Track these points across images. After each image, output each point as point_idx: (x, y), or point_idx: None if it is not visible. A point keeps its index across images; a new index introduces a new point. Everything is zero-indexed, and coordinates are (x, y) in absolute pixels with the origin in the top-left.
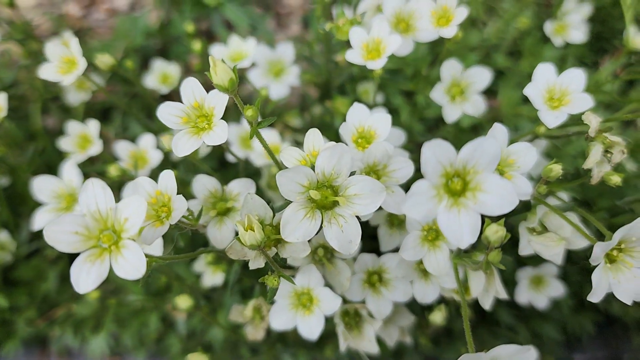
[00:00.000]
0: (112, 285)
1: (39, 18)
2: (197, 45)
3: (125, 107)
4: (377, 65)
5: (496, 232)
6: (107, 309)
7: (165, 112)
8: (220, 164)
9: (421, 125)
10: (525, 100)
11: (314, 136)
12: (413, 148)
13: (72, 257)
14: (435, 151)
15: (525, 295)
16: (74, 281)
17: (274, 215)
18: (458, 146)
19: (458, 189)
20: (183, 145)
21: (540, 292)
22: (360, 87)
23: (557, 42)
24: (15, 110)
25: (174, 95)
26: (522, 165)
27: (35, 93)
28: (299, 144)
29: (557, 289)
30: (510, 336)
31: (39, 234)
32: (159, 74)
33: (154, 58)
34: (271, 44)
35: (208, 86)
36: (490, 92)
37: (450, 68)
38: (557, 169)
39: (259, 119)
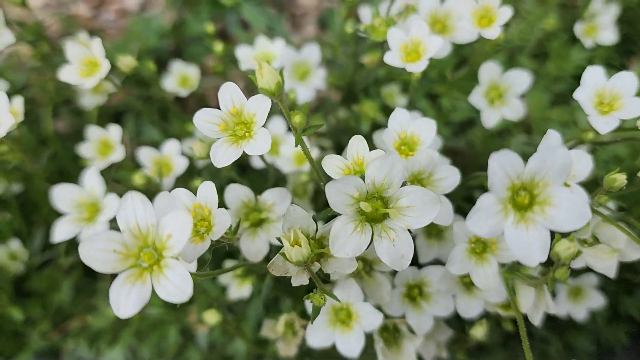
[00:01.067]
0: None
1: (49, 19)
2: (218, 46)
3: (139, 110)
4: (417, 68)
5: (568, 249)
6: (127, 322)
7: (202, 120)
8: (241, 169)
9: (447, 129)
10: (554, 103)
11: (357, 143)
12: (440, 153)
13: (87, 267)
14: (502, 162)
15: (564, 306)
16: (113, 305)
17: (317, 229)
18: (487, 151)
19: (525, 202)
20: (222, 156)
21: (579, 304)
22: (385, 90)
23: (588, 43)
24: (26, 114)
25: (189, 99)
26: (578, 173)
27: (46, 96)
28: (323, 149)
29: (596, 301)
30: (543, 347)
31: (51, 245)
32: (178, 76)
33: (169, 59)
34: (289, 41)
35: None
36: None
37: (489, 71)
38: (621, 179)
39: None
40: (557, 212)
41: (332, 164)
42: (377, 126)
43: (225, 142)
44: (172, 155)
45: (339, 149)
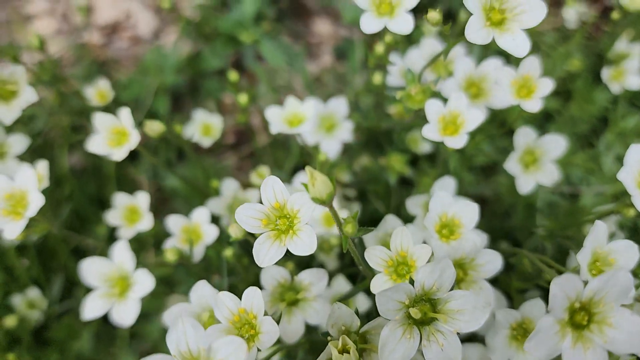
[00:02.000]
0: (147, 345)
1: (61, 49)
2: (243, 97)
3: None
4: (457, 143)
5: None
6: None
7: (244, 215)
8: None
9: (471, 175)
10: (577, 142)
11: (402, 235)
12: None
13: (106, 315)
14: (564, 287)
15: None
16: None
17: (360, 325)
18: (512, 197)
19: (583, 323)
20: (265, 255)
21: None
22: (409, 135)
23: (615, 88)
24: (41, 153)
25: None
26: (624, 264)
27: (62, 135)
28: (348, 199)
29: None
30: None
31: (70, 291)
32: (201, 125)
33: (185, 94)
34: (306, 81)
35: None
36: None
37: (524, 136)
38: None
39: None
40: (616, 333)
41: (375, 255)
42: (404, 180)
43: (268, 238)
44: (202, 223)
45: (363, 196)
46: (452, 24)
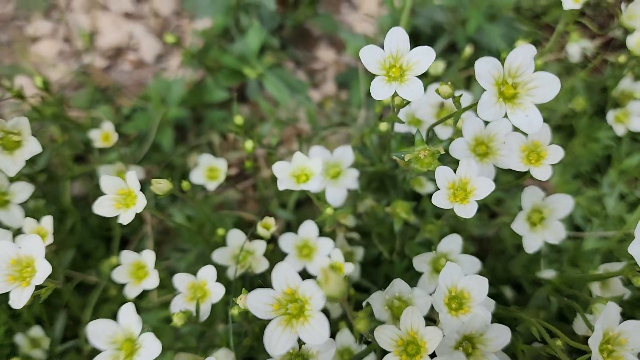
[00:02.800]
0: None
1: (63, 74)
2: (249, 144)
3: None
4: (466, 213)
5: None
6: None
7: (255, 301)
8: None
9: (474, 217)
10: (578, 178)
11: (412, 316)
12: (467, 241)
13: None
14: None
15: None
16: None
17: None
18: (513, 237)
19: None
20: (276, 343)
21: None
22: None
23: (619, 131)
24: (44, 186)
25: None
26: (635, 345)
27: (65, 169)
28: (351, 242)
29: None
30: None
31: (74, 329)
32: (206, 169)
33: (188, 124)
34: (310, 114)
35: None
36: None
37: (531, 195)
38: None
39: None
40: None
41: (385, 335)
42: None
43: (279, 325)
44: (208, 280)
45: (368, 237)
46: (457, 57)
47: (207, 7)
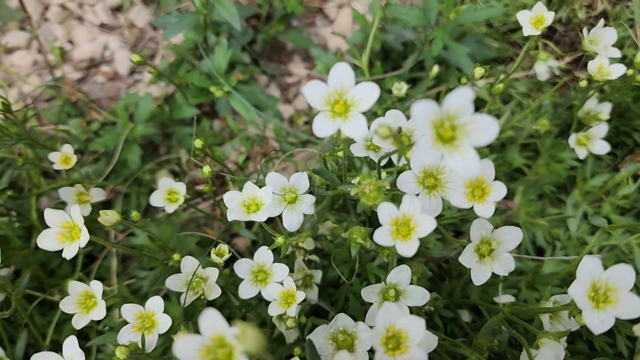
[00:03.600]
0: None
1: (35, 87)
2: (206, 169)
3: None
4: (408, 250)
5: None
6: None
7: (186, 347)
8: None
9: (435, 239)
10: (542, 198)
11: None
12: (429, 263)
13: None
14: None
15: None
16: None
17: None
18: None
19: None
20: None
21: None
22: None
23: (581, 153)
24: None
25: None
26: None
27: (31, 184)
28: (308, 263)
29: None
30: None
31: (36, 348)
32: (165, 191)
33: (159, 144)
34: (278, 129)
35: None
36: (507, 190)
37: (479, 227)
38: None
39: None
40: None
41: None
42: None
43: None
44: (156, 311)
45: (329, 259)
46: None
47: (176, 25)
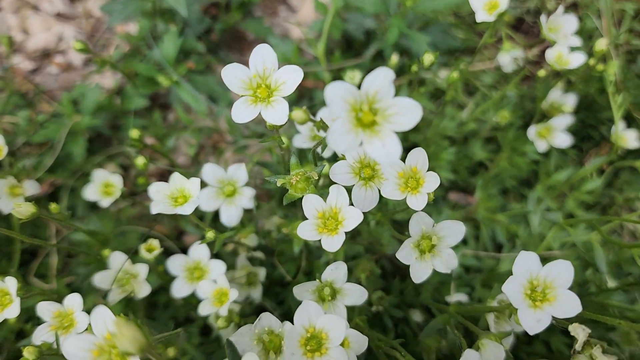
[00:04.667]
0: None
1: None
2: (140, 160)
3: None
4: (332, 246)
5: None
6: None
7: (75, 347)
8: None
9: (388, 235)
10: (504, 194)
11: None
12: (381, 260)
13: None
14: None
15: None
16: None
17: None
18: None
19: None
20: None
21: None
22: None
23: (541, 146)
24: None
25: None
26: None
27: None
28: (253, 260)
29: None
30: None
31: None
32: (101, 184)
33: (107, 133)
34: (230, 121)
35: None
36: (469, 184)
37: (419, 222)
38: None
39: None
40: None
41: None
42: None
43: None
44: (75, 309)
45: (271, 257)
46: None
47: (120, 12)
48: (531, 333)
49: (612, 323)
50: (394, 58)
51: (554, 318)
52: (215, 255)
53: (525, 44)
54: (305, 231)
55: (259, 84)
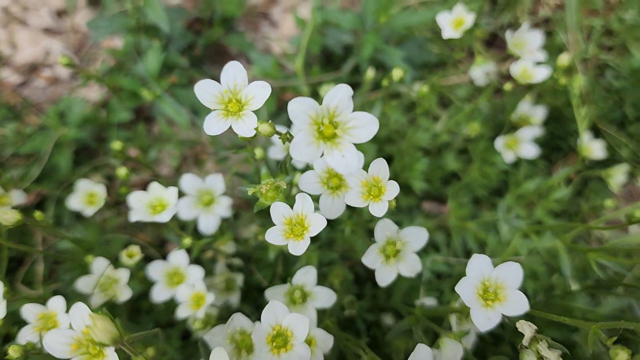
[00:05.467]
0: None
1: None
2: (122, 171)
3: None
4: (298, 249)
5: None
6: None
7: (54, 342)
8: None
9: (362, 242)
10: (476, 204)
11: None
12: (355, 266)
13: None
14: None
15: None
16: None
17: None
18: None
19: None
20: None
21: None
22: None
23: (508, 157)
24: None
25: (109, 189)
26: None
27: None
28: (231, 267)
29: None
30: None
31: None
32: (85, 194)
33: (92, 145)
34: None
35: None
36: (442, 194)
37: (384, 228)
38: None
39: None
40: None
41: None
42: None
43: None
44: (58, 312)
45: (249, 264)
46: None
47: (105, 28)
48: (482, 330)
49: (559, 320)
50: (370, 72)
51: (505, 316)
52: (196, 262)
53: (499, 58)
54: (273, 236)
55: (230, 98)
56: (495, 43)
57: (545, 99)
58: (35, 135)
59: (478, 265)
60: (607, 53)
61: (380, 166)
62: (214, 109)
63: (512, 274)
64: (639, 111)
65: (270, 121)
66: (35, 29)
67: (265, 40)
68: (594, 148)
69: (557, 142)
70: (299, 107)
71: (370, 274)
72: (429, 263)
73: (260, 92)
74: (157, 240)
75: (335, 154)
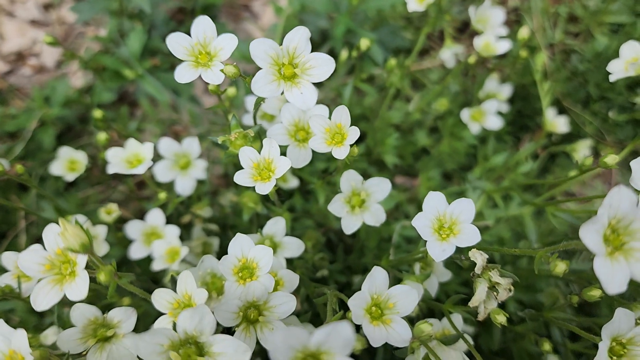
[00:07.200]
0: None
1: None
2: (102, 136)
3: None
4: (265, 189)
5: None
6: None
7: (28, 261)
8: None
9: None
10: (447, 178)
11: (186, 279)
12: (327, 233)
13: None
14: (287, 339)
15: None
16: None
17: None
18: (369, 235)
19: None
20: (42, 299)
21: None
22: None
23: (474, 128)
24: None
25: (93, 169)
26: (401, 309)
27: None
28: (210, 233)
29: None
30: None
31: None
32: (66, 161)
33: (77, 125)
34: (192, 115)
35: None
36: (413, 169)
37: (349, 179)
38: (427, 329)
39: None
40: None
41: (162, 297)
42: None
43: (49, 282)
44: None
45: (225, 230)
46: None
47: (88, 10)
48: (437, 260)
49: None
50: (344, 54)
51: (459, 249)
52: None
53: (469, 44)
54: (241, 178)
55: (200, 51)
56: (466, 31)
57: (512, 78)
58: (20, 114)
59: (433, 201)
60: (573, 39)
61: (342, 113)
62: (185, 60)
63: (465, 208)
64: (602, 91)
65: (235, 63)
66: (22, 21)
67: (246, 30)
68: (558, 123)
69: (524, 120)
70: (260, 47)
71: (343, 240)
72: (399, 228)
73: (228, 44)
74: (139, 214)
75: (295, 91)
